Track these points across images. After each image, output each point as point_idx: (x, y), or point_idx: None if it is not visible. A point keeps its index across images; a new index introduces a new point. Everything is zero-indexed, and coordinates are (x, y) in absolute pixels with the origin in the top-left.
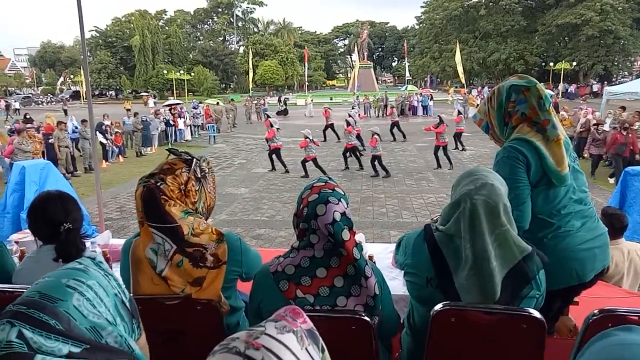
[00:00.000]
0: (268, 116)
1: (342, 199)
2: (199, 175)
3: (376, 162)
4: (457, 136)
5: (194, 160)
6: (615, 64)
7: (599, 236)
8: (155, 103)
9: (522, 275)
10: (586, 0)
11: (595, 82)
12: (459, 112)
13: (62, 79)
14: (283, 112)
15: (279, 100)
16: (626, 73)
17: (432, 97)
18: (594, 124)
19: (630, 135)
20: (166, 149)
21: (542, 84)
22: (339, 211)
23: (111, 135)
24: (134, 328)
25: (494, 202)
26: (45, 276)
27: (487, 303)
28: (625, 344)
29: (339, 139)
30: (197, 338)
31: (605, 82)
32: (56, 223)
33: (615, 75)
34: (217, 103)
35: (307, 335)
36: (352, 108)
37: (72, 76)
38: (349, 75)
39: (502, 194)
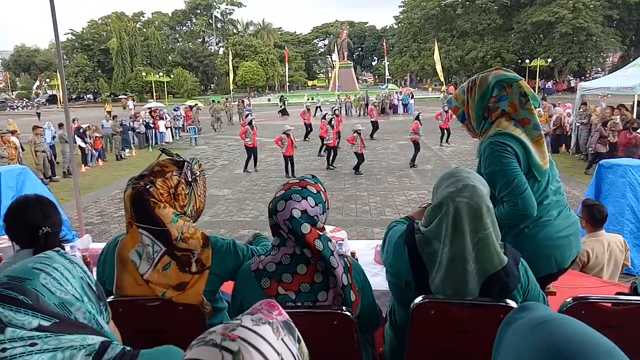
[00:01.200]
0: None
1: (309, 197)
2: (190, 179)
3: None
4: (442, 132)
5: (186, 163)
6: (589, 60)
7: (572, 224)
8: (134, 106)
9: (501, 285)
10: None
11: (572, 78)
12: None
13: (37, 83)
14: (283, 112)
15: (280, 99)
16: (599, 69)
17: (412, 96)
18: (603, 122)
19: (637, 136)
20: (159, 149)
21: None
22: (299, 208)
23: (90, 139)
24: (102, 310)
25: (476, 204)
26: (11, 267)
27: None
28: (538, 323)
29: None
30: (180, 339)
31: (579, 78)
32: (34, 227)
33: (588, 71)
34: (196, 104)
35: (282, 327)
36: (317, 109)
37: (48, 80)
38: (330, 75)
39: (484, 195)
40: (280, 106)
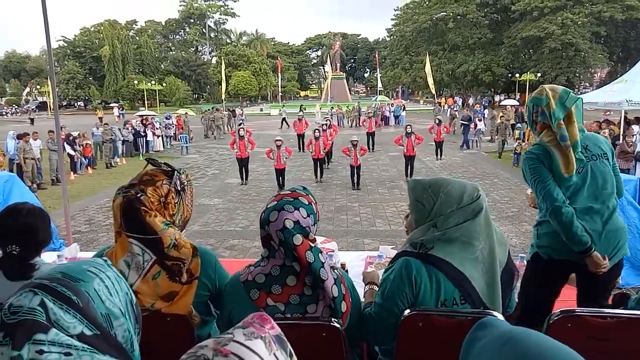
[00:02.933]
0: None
1: (301, 208)
2: (179, 188)
3: (354, 172)
4: (436, 145)
5: (175, 172)
6: (577, 75)
7: (599, 230)
8: (122, 115)
9: (510, 272)
10: (549, 14)
11: None
12: (440, 122)
13: (28, 89)
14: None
15: (300, 108)
16: (587, 84)
17: (404, 108)
18: (623, 135)
19: None
20: (145, 159)
21: (507, 93)
22: (292, 219)
23: (79, 147)
24: (136, 332)
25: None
26: (65, 263)
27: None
28: (507, 339)
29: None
30: (168, 350)
31: None
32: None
33: (577, 86)
34: (186, 113)
35: (275, 341)
36: (283, 121)
37: (38, 87)
38: (322, 86)
39: None
40: (299, 114)
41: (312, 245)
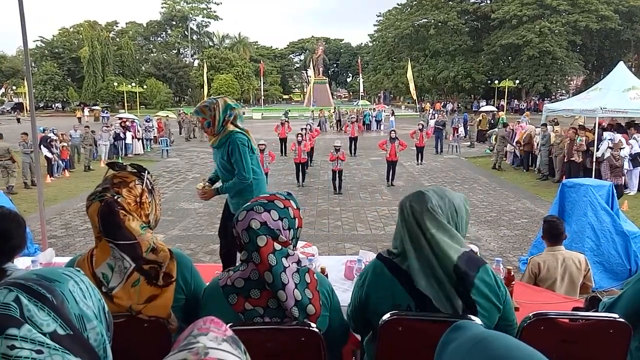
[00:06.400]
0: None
1: (272, 211)
2: (150, 187)
3: (336, 177)
4: (417, 150)
5: (147, 171)
6: (554, 82)
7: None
8: (101, 117)
9: (463, 276)
10: (527, 22)
11: (534, 99)
12: (423, 127)
13: (3, 90)
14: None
15: (336, 112)
16: (564, 91)
17: (393, 113)
18: (611, 147)
19: None
20: (107, 164)
21: (488, 100)
22: (259, 220)
23: (57, 149)
24: (108, 340)
25: (419, 207)
26: (39, 268)
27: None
28: (477, 341)
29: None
30: (145, 357)
31: (544, 99)
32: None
33: (554, 93)
34: (167, 116)
35: (233, 341)
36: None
37: (14, 87)
38: (305, 90)
39: (429, 200)
40: (283, 118)
41: (277, 248)
